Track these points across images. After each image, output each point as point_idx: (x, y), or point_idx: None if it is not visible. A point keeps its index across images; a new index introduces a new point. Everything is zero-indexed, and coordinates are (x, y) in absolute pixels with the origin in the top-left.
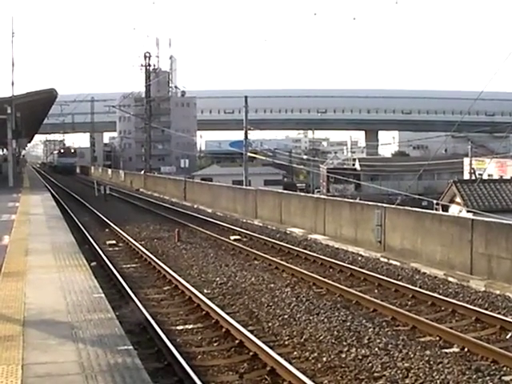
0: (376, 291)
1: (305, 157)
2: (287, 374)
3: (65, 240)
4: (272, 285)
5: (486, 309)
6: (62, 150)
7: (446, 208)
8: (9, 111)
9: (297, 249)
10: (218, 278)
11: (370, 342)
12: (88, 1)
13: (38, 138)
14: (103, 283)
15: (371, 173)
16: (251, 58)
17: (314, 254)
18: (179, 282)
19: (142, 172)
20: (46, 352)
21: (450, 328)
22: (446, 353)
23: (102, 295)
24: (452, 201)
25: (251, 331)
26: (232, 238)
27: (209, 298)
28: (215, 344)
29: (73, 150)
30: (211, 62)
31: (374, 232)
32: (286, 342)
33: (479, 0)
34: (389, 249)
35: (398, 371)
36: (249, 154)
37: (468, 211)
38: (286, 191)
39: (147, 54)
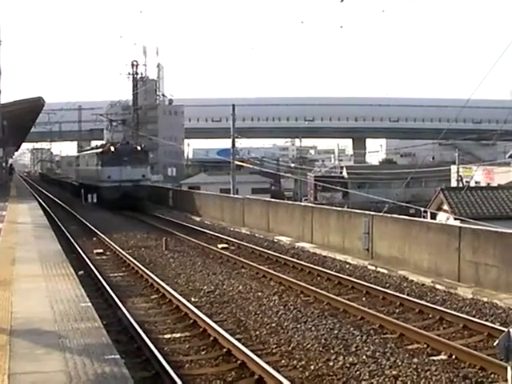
0: (364, 299)
1: (292, 165)
2: (275, 383)
3: (52, 249)
4: (259, 293)
5: (474, 316)
6: (113, 148)
7: (433, 215)
8: None
9: (284, 257)
10: (205, 287)
11: (357, 350)
12: (75, 9)
13: (25, 147)
14: (90, 292)
15: (359, 181)
16: (238, 66)
17: (302, 262)
18: (166, 291)
19: None
20: (32, 361)
21: (438, 335)
22: (434, 360)
23: (89, 304)
24: (439, 208)
25: (239, 339)
26: (220, 246)
27: (196, 307)
28: (203, 352)
29: (138, 147)
30: (199, 71)
31: (361, 240)
32: (274, 351)
33: (465, 9)
34: (376, 256)
35: (386, 379)
36: (236, 162)
37: (455, 219)
38: (273, 199)
39: (134, 63)
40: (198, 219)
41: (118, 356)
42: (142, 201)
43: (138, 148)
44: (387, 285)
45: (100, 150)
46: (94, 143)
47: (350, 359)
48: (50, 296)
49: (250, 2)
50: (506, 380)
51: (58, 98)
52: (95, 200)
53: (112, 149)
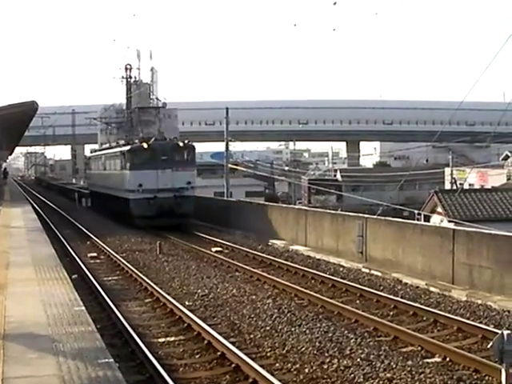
0: (358, 302)
1: (286, 168)
2: None
3: (46, 253)
4: (254, 296)
5: (468, 318)
6: (146, 144)
7: (427, 218)
8: None
9: (278, 260)
10: (199, 290)
11: (351, 353)
12: (68, 12)
13: (19, 151)
14: (84, 296)
15: (353, 183)
16: (232, 69)
17: (296, 266)
18: (161, 295)
19: None
20: (26, 365)
21: (432, 338)
22: (428, 363)
23: (83, 308)
24: (433, 211)
25: (233, 343)
26: (214, 249)
27: (190, 310)
28: (197, 356)
29: (180, 143)
30: (192, 74)
31: (355, 243)
32: (268, 354)
33: (458, 11)
34: (370, 259)
35: (380, 382)
36: (230, 165)
37: (449, 221)
38: (267, 202)
39: (128, 66)
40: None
41: (111, 360)
42: (187, 218)
43: (181, 144)
44: (381, 287)
45: (127, 147)
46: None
47: (345, 362)
48: (43, 300)
49: (243, 5)
50: (500, 382)
51: (52, 102)
52: (89, 204)
53: (145, 145)
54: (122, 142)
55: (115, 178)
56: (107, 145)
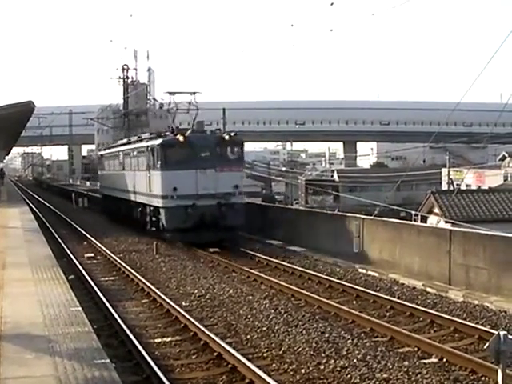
0: (354, 302)
1: (283, 168)
2: None
3: (42, 253)
4: (250, 297)
5: (465, 319)
6: (182, 137)
7: (424, 219)
8: None
9: (275, 260)
10: (196, 291)
11: (348, 354)
12: (65, 13)
13: (16, 151)
14: (81, 296)
15: (350, 184)
16: (229, 69)
17: (293, 266)
18: (157, 295)
19: None
20: (23, 366)
21: (429, 338)
22: (425, 363)
23: (80, 308)
24: (430, 211)
25: (230, 343)
26: (211, 250)
27: (187, 311)
28: (194, 357)
29: (226, 136)
30: (189, 74)
31: (352, 243)
32: (265, 354)
33: (455, 12)
34: (367, 260)
35: (377, 382)
36: None
37: (446, 222)
38: (264, 203)
39: (125, 67)
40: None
41: (108, 360)
42: (234, 232)
43: (226, 136)
44: (378, 288)
45: (157, 140)
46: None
47: (341, 363)
48: (40, 300)
49: (241, 5)
50: (497, 383)
51: (49, 102)
52: (86, 204)
53: (181, 138)
54: (146, 134)
55: (139, 181)
56: (124, 140)
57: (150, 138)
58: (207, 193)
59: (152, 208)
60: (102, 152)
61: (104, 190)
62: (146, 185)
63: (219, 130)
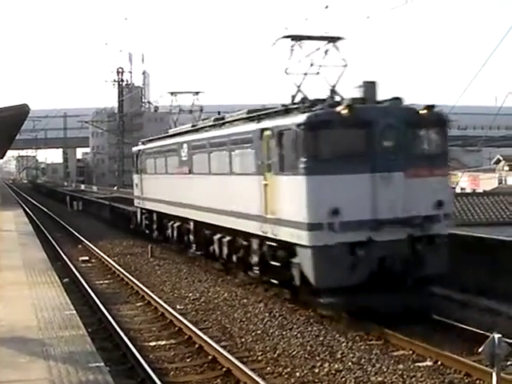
0: None
1: None
2: None
3: (37, 256)
4: (245, 300)
5: (459, 322)
6: (347, 112)
7: None
8: None
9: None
10: (190, 294)
11: (343, 357)
12: (60, 16)
13: (11, 154)
14: (75, 300)
15: None
16: (224, 73)
17: None
18: (152, 298)
19: (115, 187)
20: (17, 370)
21: (423, 342)
22: (419, 366)
23: (74, 312)
24: None
25: (224, 347)
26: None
27: (181, 314)
28: (188, 360)
29: (425, 111)
30: (186, 78)
31: None
32: (260, 358)
33: (450, 14)
34: None
35: None
36: None
37: None
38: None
39: (120, 70)
40: None
41: (102, 364)
42: (429, 286)
43: (423, 111)
44: None
45: (298, 117)
46: (79, 151)
47: (336, 366)
48: (34, 304)
49: (236, 8)
50: None
51: (44, 105)
52: (80, 207)
53: (344, 112)
54: (242, 111)
55: (237, 193)
56: (187, 125)
57: (267, 115)
58: (393, 218)
59: (274, 245)
60: (143, 146)
61: (146, 203)
62: (261, 201)
63: (398, 98)
